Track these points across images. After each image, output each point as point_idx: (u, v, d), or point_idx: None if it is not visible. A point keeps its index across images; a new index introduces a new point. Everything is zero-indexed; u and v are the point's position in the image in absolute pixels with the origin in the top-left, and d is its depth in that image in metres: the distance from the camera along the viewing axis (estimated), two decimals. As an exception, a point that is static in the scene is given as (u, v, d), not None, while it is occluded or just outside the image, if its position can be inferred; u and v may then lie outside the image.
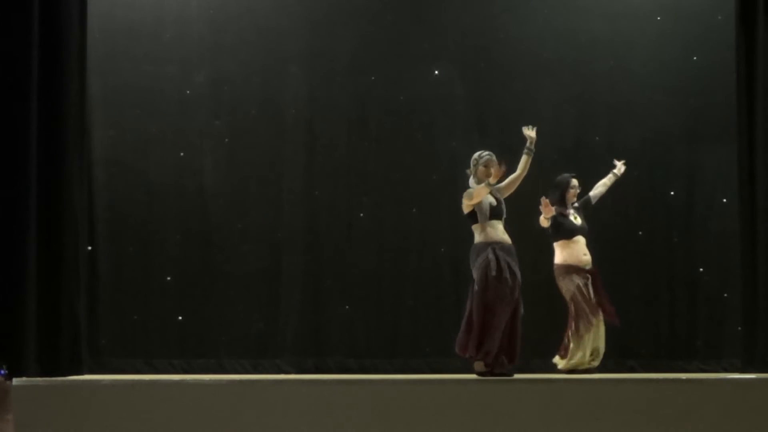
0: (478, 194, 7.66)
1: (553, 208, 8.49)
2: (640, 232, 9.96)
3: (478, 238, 7.74)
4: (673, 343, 9.85)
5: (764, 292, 8.80)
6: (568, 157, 9.59)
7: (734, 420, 6.90)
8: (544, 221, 8.49)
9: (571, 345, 8.40)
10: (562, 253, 8.54)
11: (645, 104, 10.00)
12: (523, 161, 7.84)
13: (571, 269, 8.47)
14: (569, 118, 9.96)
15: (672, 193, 10.02)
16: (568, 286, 8.45)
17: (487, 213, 7.69)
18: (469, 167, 7.86)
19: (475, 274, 7.64)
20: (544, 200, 8.36)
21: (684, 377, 8.62)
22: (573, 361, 8.35)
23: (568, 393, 7.04)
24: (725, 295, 9.81)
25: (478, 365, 7.61)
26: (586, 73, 10.00)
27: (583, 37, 10.02)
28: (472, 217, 7.75)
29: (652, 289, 9.90)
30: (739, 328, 9.24)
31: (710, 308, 9.88)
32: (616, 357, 9.32)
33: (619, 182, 8.98)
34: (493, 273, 7.54)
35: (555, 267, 8.55)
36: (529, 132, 7.89)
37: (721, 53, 9.72)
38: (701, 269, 9.92)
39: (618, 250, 9.72)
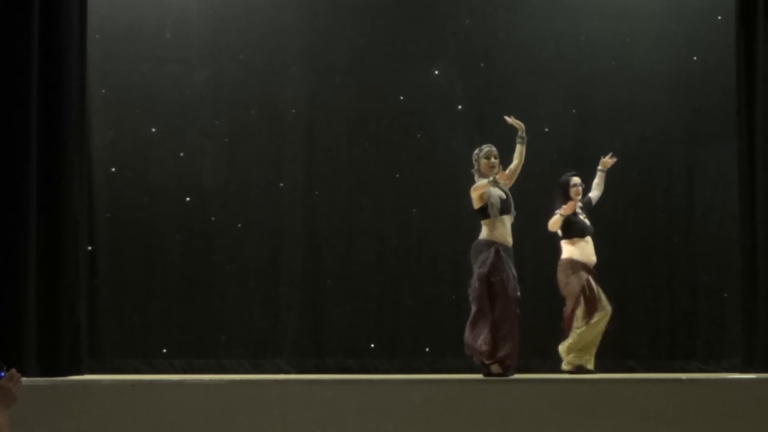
0: (478, 187, 7.69)
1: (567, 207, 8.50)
2: (640, 232, 9.95)
3: (483, 234, 7.74)
4: (672, 343, 9.85)
5: (764, 292, 8.80)
6: (568, 157, 9.59)
7: (734, 420, 6.91)
8: (555, 225, 8.46)
9: (570, 341, 8.38)
10: (572, 250, 8.49)
11: (645, 104, 9.99)
12: (519, 150, 7.87)
13: (579, 265, 8.45)
14: (569, 118, 9.96)
15: (672, 193, 10.02)
16: (575, 282, 8.40)
17: (499, 207, 7.70)
18: (472, 167, 7.90)
19: (476, 272, 7.64)
20: (571, 204, 8.42)
21: (684, 377, 8.63)
22: (573, 356, 8.34)
23: (568, 393, 7.05)
24: (725, 295, 9.81)
25: (495, 367, 7.60)
26: (586, 73, 10.00)
27: (583, 37, 10.02)
28: (482, 212, 7.75)
29: (652, 289, 9.90)
30: (739, 328, 9.23)
31: (710, 308, 9.88)
32: (616, 357, 9.33)
33: (619, 182, 8.98)
34: (496, 277, 7.57)
35: (562, 262, 8.48)
36: (514, 121, 7.91)
37: (721, 53, 9.72)
38: (701, 269, 9.92)
39: (618, 250, 9.72)
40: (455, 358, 9.25)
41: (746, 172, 9.07)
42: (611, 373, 8.64)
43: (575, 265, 8.45)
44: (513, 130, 8.06)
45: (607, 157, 8.83)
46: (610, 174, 8.95)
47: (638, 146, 9.92)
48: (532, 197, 8.87)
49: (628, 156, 9.80)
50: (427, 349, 9.55)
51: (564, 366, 8.39)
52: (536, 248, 9.04)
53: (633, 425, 6.82)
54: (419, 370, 9.37)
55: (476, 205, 7.78)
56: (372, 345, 9.53)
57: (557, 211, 8.52)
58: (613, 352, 9.05)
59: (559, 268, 8.51)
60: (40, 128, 7.67)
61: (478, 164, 7.86)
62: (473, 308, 7.67)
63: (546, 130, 9.74)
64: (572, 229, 8.52)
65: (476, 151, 7.92)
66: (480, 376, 7.72)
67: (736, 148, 9.25)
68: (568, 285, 8.43)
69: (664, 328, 9.88)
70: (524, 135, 7.88)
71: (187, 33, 9.52)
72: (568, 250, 8.52)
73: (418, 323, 9.61)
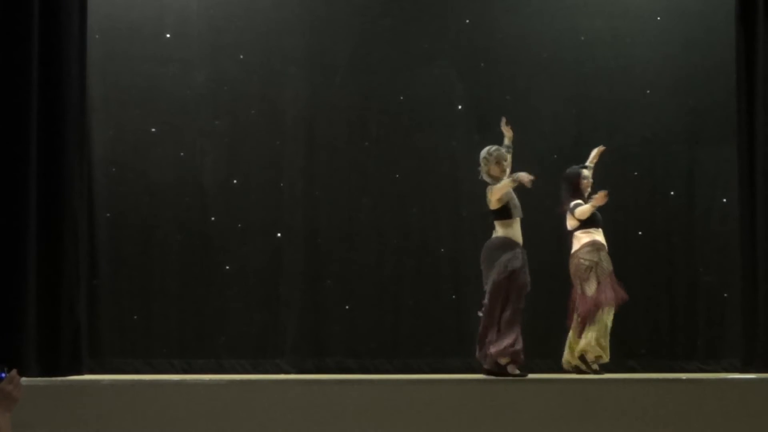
0: (500, 189, 7.66)
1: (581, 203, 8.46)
2: (640, 232, 9.95)
3: (502, 233, 7.71)
4: (673, 343, 9.85)
5: (764, 292, 8.81)
6: (568, 157, 9.57)
7: (734, 420, 6.91)
8: (585, 214, 8.39)
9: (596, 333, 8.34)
10: (591, 236, 8.44)
11: (645, 104, 9.99)
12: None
13: (602, 245, 8.42)
14: (569, 118, 9.95)
15: (672, 193, 10.02)
16: (601, 262, 8.36)
17: (519, 208, 7.75)
18: (477, 166, 7.87)
19: (498, 269, 7.59)
20: (603, 194, 8.33)
21: (684, 377, 8.64)
22: (582, 345, 8.31)
23: (568, 393, 7.05)
24: (725, 295, 9.80)
25: (512, 368, 7.60)
26: (586, 73, 9.99)
27: (583, 37, 10.01)
28: (498, 213, 7.72)
29: (652, 289, 9.89)
30: (739, 328, 9.23)
31: (710, 308, 9.87)
32: (616, 357, 9.32)
33: (619, 182, 8.98)
34: (522, 278, 7.56)
35: (586, 245, 8.38)
36: (507, 129, 7.92)
37: (721, 53, 9.72)
38: (701, 269, 9.91)
39: (618, 250, 9.70)
40: (455, 358, 9.27)
41: (746, 172, 9.07)
42: (611, 373, 8.64)
43: (598, 244, 8.41)
44: (513, 131, 8.07)
45: (596, 151, 8.77)
46: (610, 174, 8.96)
47: (638, 146, 9.92)
48: (533, 198, 8.85)
49: (628, 156, 9.80)
50: (427, 349, 9.55)
51: (574, 361, 8.33)
52: (537, 249, 9.01)
53: (633, 425, 6.82)
54: (419, 370, 9.36)
55: (495, 206, 7.73)
56: (372, 345, 9.53)
57: (572, 203, 8.46)
58: (613, 352, 9.04)
59: (582, 251, 8.38)
60: (40, 128, 7.67)
61: (488, 167, 7.80)
62: (491, 311, 7.61)
63: (546, 130, 9.74)
64: (591, 220, 8.49)
65: (485, 153, 7.86)
66: (480, 376, 7.73)
67: (736, 148, 9.24)
68: (599, 265, 8.34)
69: (664, 328, 9.87)
70: (511, 145, 7.92)
71: (187, 33, 9.52)
72: (588, 236, 8.47)
73: (418, 323, 9.60)
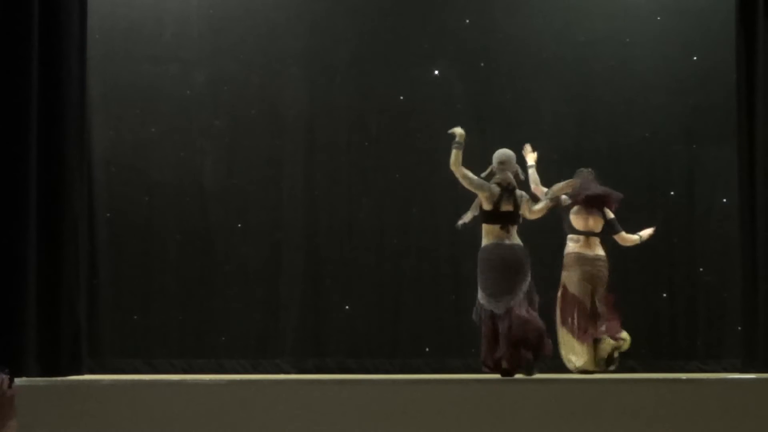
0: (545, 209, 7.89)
1: None
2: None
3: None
4: (673, 343, 9.85)
5: (764, 292, 8.80)
6: (568, 156, 9.58)
7: (734, 420, 6.90)
8: (617, 236, 8.60)
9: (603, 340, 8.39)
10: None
11: (645, 104, 9.99)
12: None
13: None
14: (569, 118, 9.96)
15: (672, 193, 10.02)
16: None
17: None
18: (506, 166, 7.78)
19: (531, 283, 7.67)
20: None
21: (684, 377, 8.63)
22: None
23: (568, 393, 7.05)
24: (725, 295, 9.81)
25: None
26: (586, 73, 10.00)
27: (583, 37, 10.02)
28: (517, 219, 7.76)
29: (652, 289, 9.90)
30: (739, 328, 9.24)
31: (710, 308, 9.88)
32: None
33: (619, 183, 8.99)
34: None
35: (606, 260, 8.53)
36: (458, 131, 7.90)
37: (721, 53, 9.72)
38: (701, 269, 9.92)
39: (618, 251, 9.70)
40: (455, 358, 9.27)
41: (746, 172, 9.07)
42: (611, 373, 8.63)
43: None
44: (513, 131, 8.07)
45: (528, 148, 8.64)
46: (611, 174, 8.95)
47: (638, 146, 9.92)
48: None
49: (628, 156, 9.80)
50: (427, 349, 9.55)
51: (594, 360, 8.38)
52: (536, 250, 9.01)
53: (633, 425, 6.82)
54: (419, 370, 9.37)
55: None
56: (372, 345, 9.53)
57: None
58: (613, 352, 9.06)
59: (606, 265, 8.54)
60: (40, 128, 7.66)
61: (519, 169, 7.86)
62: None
63: (546, 129, 9.74)
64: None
65: (512, 155, 7.86)
66: (479, 376, 7.72)
67: (736, 148, 9.24)
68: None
69: (664, 328, 9.88)
70: (461, 141, 7.86)
71: (187, 33, 9.53)
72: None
73: (418, 323, 9.61)
